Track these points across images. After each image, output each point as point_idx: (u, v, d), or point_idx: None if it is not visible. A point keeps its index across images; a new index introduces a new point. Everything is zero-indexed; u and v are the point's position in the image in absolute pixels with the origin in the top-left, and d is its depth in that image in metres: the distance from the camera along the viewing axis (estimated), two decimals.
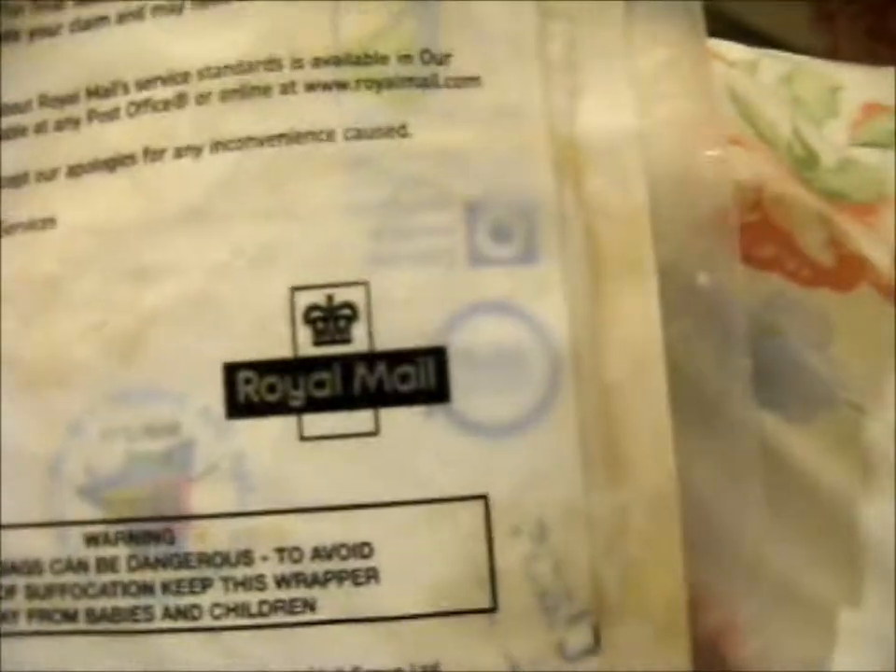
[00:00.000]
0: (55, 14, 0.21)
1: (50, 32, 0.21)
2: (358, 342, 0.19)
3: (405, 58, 0.20)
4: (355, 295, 0.19)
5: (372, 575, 0.19)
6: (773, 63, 0.32)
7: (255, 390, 0.19)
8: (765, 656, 0.21)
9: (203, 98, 0.20)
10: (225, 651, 0.19)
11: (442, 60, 0.20)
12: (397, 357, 0.19)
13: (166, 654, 0.19)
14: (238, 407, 0.19)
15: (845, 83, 0.31)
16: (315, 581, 0.19)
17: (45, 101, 0.20)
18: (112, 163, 0.20)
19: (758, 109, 0.29)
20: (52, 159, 0.20)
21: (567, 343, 0.19)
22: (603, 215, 0.20)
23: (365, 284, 0.19)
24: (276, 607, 0.19)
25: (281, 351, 0.19)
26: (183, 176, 0.20)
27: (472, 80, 0.20)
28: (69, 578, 0.19)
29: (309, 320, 0.19)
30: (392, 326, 0.19)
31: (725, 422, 0.22)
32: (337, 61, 0.20)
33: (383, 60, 0.20)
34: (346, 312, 0.19)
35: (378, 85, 0.20)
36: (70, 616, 0.19)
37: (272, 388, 0.19)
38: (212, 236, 0.19)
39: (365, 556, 0.19)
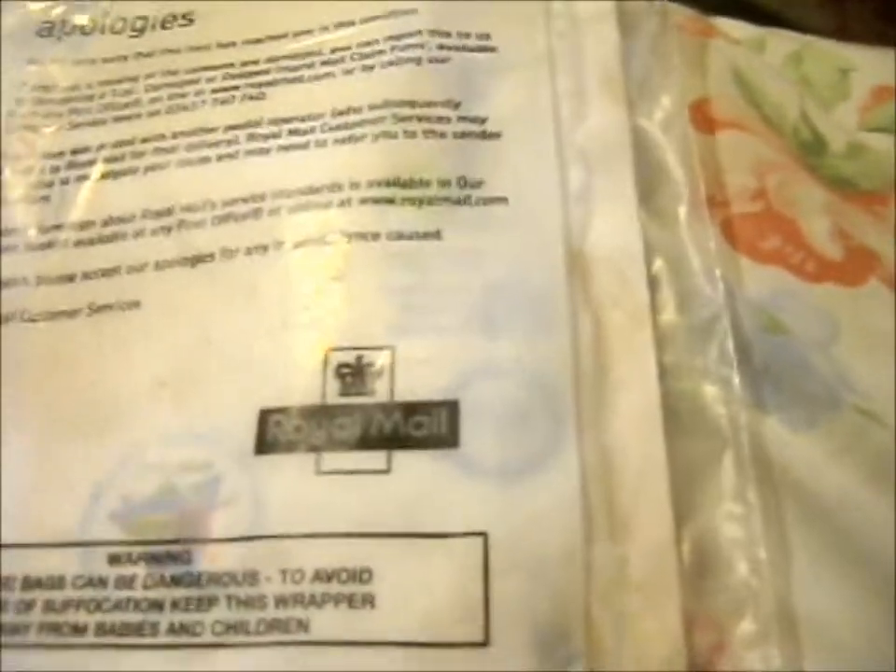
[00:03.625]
0: (166, 155, 0.26)
1: (161, 167, 0.26)
2: (380, 394, 0.22)
3: (444, 182, 0.24)
4: (381, 356, 0.22)
5: (369, 600, 0.20)
6: (781, 41, 0.30)
7: (282, 431, 0.21)
8: None
9: (273, 211, 0.24)
10: (220, 667, 0.20)
11: (476, 184, 0.24)
12: (413, 408, 0.21)
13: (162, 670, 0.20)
14: (266, 445, 0.21)
15: (855, 64, 0.30)
16: (313, 601, 0.20)
17: (147, 214, 0.25)
18: (194, 260, 0.24)
19: (763, 91, 0.28)
20: (143, 255, 0.24)
21: (571, 404, 0.21)
22: (609, 308, 0.23)
23: (391, 348, 0.22)
24: (273, 625, 0.20)
25: (311, 399, 0.22)
26: (248, 268, 0.24)
27: (501, 199, 0.24)
28: (87, 592, 0.20)
29: (339, 375, 0.22)
30: (411, 381, 0.22)
31: (724, 429, 0.22)
32: (387, 183, 0.24)
33: (425, 184, 0.24)
34: (372, 369, 0.22)
35: (419, 202, 0.24)
36: (80, 629, 0.20)
37: (298, 429, 0.21)
38: (265, 311, 0.23)
39: (364, 581, 0.20)
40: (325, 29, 0.28)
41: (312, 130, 0.25)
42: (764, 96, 0.28)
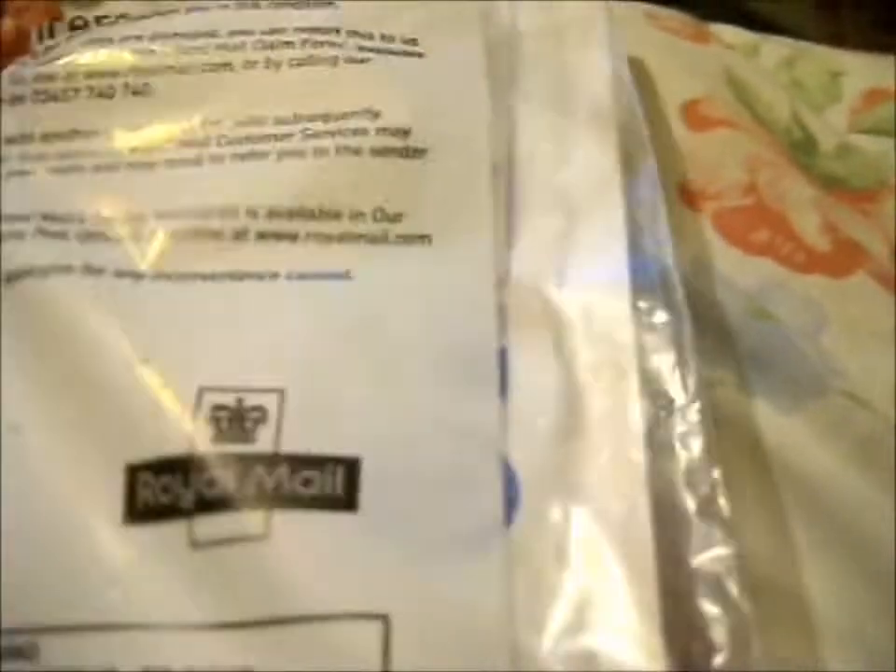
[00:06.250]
0: (35, 162, 0.22)
1: (31, 173, 0.22)
2: (262, 443, 0.18)
3: (357, 215, 0.21)
4: (267, 400, 0.19)
5: None
6: (774, 46, 0.31)
7: (151, 492, 0.18)
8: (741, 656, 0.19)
9: (152, 234, 0.21)
10: None
11: (395, 218, 0.21)
12: (302, 461, 0.18)
13: None
14: (135, 511, 0.18)
15: (847, 69, 0.31)
16: None
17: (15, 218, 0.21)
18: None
19: (755, 91, 0.29)
20: None
21: (531, 476, 0.18)
22: (586, 370, 0.20)
23: (280, 391, 0.19)
24: None
25: (178, 448, 0.18)
26: (113, 293, 0.20)
27: (423, 238, 0.21)
28: None
29: (213, 419, 0.18)
30: (302, 431, 0.18)
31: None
32: (290, 214, 0.21)
33: (335, 216, 0.21)
34: (255, 414, 0.19)
35: (327, 238, 0.21)
36: None
37: (165, 489, 0.18)
38: (129, 344, 0.19)
39: None
40: (224, 7, 0.24)
41: (206, 141, 0.22)
42: (757, 97, 0.29)
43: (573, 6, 0.25)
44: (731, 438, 0.22)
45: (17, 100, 0.23)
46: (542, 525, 0.18)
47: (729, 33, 0.31)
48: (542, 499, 0.18)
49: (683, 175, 0.26)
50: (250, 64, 0.23)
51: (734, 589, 0.18)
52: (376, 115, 0.22)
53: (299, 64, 0.23)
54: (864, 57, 0.32)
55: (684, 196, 0.25)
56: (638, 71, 0.27)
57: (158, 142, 0.22)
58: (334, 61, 0.23)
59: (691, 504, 0.19)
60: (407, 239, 0.21)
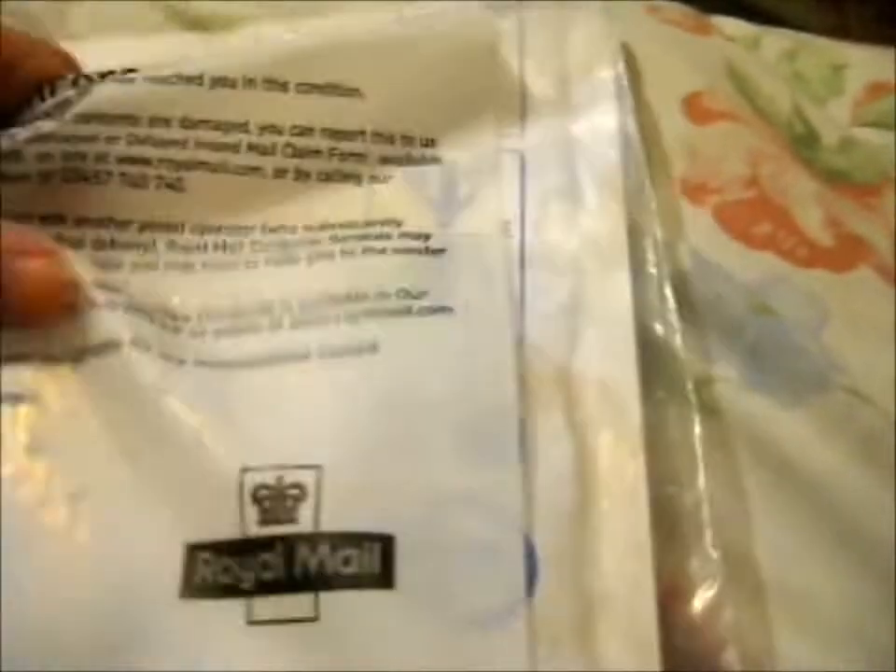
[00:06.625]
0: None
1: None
2: (303, 523, 0.20)
3: (382, 295, 0.22)
4: (305, 476, 0.20)
5: None
6: (776, 39, 0.31)
7: (210, 571, 0.19)
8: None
9: (197, 333, 0.22)
10: None
11: (418, 295, 0.22)
12: (341, 539, 0.19)
13: None
14: (194, 587, 0.19)
15: (849, 61, 0.31)
16: None
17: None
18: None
19: (756, 84, 0.28)
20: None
21: (549, 550, 0.19)
22: (597, 433, 0.21)
23: (317, 468, 0.20)
24: None
25: (230, 530, 0.20)
26: (161, 379, 0.21)
27: (446, 309, 0.22)
28: None
29: (256, 499, 0.20)
30: (341, 508, 0.20)
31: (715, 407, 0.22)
32: (319, 301, 0.22)
33: (361, 297, 0.22)
34: (295, 492, 0.20)
35: (354, 317, 0.22)
36: None
37: (226, 570, 0.19)
38: (181, 427, 0.21)
39: None
40: (250, 84, 0.24)
41: (240, 246, 0.23)
42: (758, 90, 0.28)
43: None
44: (733, 433, 0.22)
45: (47, 176, 0.23)
46: (560, 598, 0.19)
47: (730, 25, 0.31)
48: (560, 574, 0.19)
49: (685, 169, 0.26)
50: (280, 173, 0.24)
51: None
52: (399, 223, 0.24)
53: (326, 178, 0.24)
54: (867, 50, 0.32)
55: (686, 190, 0.25)
56: (639, 64, 0.27)
57: (193, 242, 0.23)
58: (359, 180, 0.24)
59: None
60: (430, 310, 0.22)
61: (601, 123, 0.25)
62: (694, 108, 0.27)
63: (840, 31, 0.38)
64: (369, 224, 0.24)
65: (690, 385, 0.22)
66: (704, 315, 0.23)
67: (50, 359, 0.21)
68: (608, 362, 0.22)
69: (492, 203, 0.24)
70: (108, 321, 0.21)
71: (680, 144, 0.26)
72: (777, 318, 0.24)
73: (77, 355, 0.21)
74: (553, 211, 0.24)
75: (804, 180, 0.26)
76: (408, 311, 0.22)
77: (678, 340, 0.23)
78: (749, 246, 0.25)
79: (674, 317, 0.23)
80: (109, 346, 0.21)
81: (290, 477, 0.20)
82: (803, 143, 0.28)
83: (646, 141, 0.25)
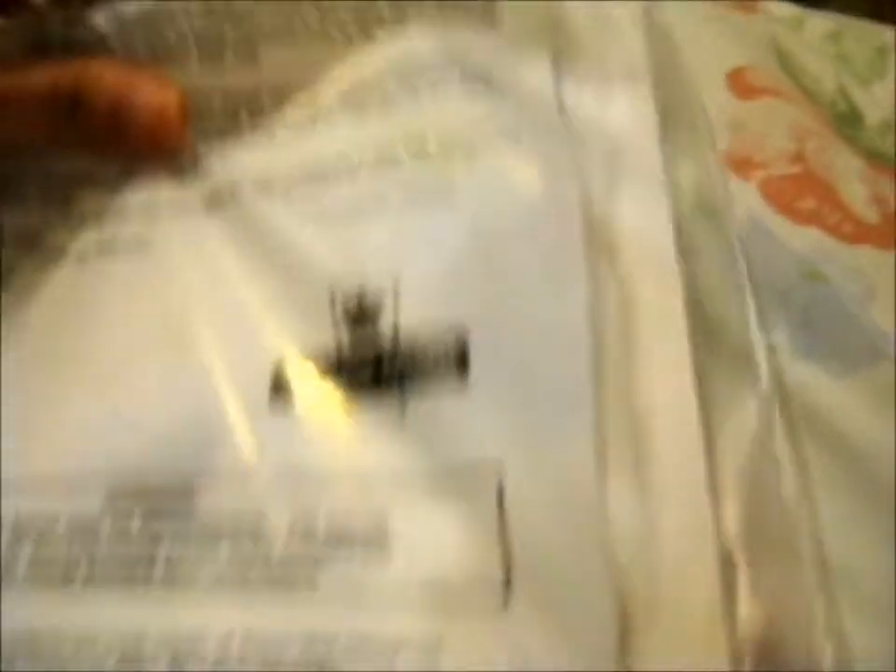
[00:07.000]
0: None
1: None
2: (384, 325, 0.22)
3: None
4: (385, 281, 0.22)
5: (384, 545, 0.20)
6: (820, 21, 0.31)
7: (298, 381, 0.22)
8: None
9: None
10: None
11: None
12: (419, 340, 0.21)
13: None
14: (282, 396, 0.22)
15: (893, 45, 0.30)
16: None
17: None
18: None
19: (801, 62, 0.28)
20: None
21: (589, 359, 0.20)
22: (637, 281, 0.22)
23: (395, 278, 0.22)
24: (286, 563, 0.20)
25: (324, 342, 0.22)
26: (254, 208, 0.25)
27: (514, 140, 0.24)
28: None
29: (345, 312, 0.22)
30: (416, 310, 0.22)
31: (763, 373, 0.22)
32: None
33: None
34: (375, 300, 0.22)
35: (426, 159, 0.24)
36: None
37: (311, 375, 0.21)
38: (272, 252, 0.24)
39: (379, 526, 0.20)
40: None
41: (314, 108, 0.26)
42: (802, 68, 0.28)
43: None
44: (785, 403, 0.22)
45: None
46: (614, 411, 0.20)
47: (775, 6, 0.31)
48: (611, 385, 0.20)
49: (729, 143, 0.25)
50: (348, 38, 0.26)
51: None
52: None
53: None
54: None
55: (731, 163, 0.25)
56: (679, 37, 0.27)
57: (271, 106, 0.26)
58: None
59: None
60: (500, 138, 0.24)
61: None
62: (738, 83, 0.27)
63: (876, 17, 0.38)
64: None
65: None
66: (756, 279, 0.23)
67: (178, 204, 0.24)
68: (644, 214, 0.23)
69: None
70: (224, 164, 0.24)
71: (725, 118, 0.26)
72: (829, 285, 0.23)
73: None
74: (586, 95, 0.25)
75: (847, 157, 0.26)
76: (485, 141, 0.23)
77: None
78: (795, 221, 0.24)
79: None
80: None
81: (373, 283, 0.22)
82: (846, 122, 0.28)
83: (690, 114, 0.25)
